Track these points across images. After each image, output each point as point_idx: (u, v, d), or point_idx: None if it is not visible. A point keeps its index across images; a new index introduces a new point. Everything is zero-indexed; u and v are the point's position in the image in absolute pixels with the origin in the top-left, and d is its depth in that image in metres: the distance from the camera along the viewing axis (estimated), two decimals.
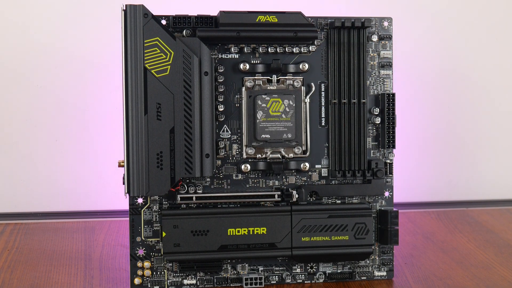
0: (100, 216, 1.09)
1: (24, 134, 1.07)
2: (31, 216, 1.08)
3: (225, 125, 0.77)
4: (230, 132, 0.77)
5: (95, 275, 0.81)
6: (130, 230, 0.76)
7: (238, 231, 0.76)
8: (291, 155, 0.77)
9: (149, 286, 0.76)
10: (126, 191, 0.72)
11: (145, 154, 0.72)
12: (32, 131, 1.07)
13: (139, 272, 0.76)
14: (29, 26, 1.06)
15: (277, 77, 0.77)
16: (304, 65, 0.77)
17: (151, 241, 0.76)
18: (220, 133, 0.77)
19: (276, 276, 0.78)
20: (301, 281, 0.79)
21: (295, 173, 0.78)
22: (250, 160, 0.77)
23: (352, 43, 0.78)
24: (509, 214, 1.11)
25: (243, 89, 0.77)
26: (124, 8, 0.72)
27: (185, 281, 0.77)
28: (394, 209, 0.79)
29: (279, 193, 0.77)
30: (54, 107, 1.07)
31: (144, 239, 0.76)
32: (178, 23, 0.75)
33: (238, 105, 0.77)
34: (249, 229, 0.76)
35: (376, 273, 0.80)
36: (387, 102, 0.78)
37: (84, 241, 0.94)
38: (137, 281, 0.76)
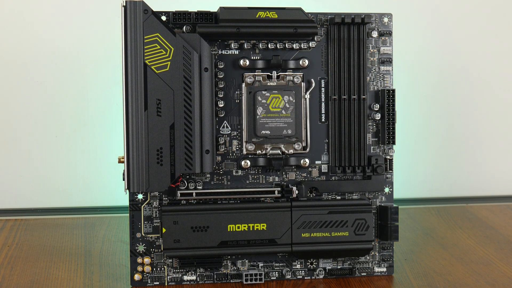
0: (100, 212, 1.09)
1: (24, 130, 1.07)
2: (31, 212, 1.08)
3: (225, 121, 0.77)
4: (230, 128, 0.77)
5: (95, 271, 0.81)
6: (130, 226, 0.76)
7: (238, 227, 0.76)
8: (291, 151, 0.77)
9: (149, 282, 0.77)
10: (126, 187, 0.72)
11: (145, 150, 0.72)
12: (32, 127, 1.07)
13: (139, 268, 0.76)
14: (29, 22, 1.06)
15: (277, 73, 0.77)
16: (304, 61, 0.77)
17: (151, 237, 0.76)
18: (220, 129, 0.77)
19: (276, 272, 0.78)
20: (301, 277, 0.79)
21: (295, 169, 0.78)
22: (250, 156, 0.77)
23: (352, 39, 0.77)
24: (509, 210, 1.11)
25: (243, 85, 0.77)
26: (124, 4, 0.72)
27: (185, 277, 0.77)
28: (394, 205, 0.79)
29: (279, 189, 0.77)
30: (54, 103, 1.07)
31: (144, 235, 0.76)
32: (178, 19, 0.75)
33: (238, 101, 0.77)
34: (249, 225, 0.76)
35: (376, 269, 0.80)
36: (387, 98, 0.78)
37: (84, 237, 0.94)
38: (137, 277, 0.76)
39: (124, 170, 0.72)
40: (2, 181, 1.08)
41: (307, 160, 0.77)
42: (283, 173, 0.78)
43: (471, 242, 0.93)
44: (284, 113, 0.77)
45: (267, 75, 0.77)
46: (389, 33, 0.79)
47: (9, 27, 1.06)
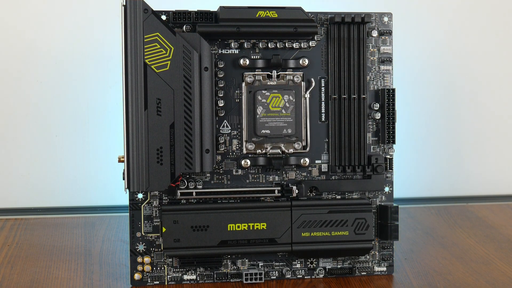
0: (100, 212, 1.09)
1: (24, 129, 1.07)
2: (31, 211, 1.08)
3: (225, 121, 0.77)
4: (230, 128, 0.77)
5: (95, 270, 0.81)
6: (130, 226, 0.76)
7: (238, 227, 0.76)
8: (291, 150, 0.77)
9: (149, 281, 0.76)
10: (126, 187, 0.72)
11: (145, 149, 0.72)
12: (32, 126, 1.07)
13: (139, 268, 0.76)
14: (29, 21, 1.06)
15: (277, 73, 0.77)
16: (304, 60, 0.77)
17: (151, 237, 0.76)
18: (220, 128, 0.77)
19: (276, 272, 0.78)
20: (301, 276, 0.79)
21: (295, 169, 0.78)
22: (250, 155, 0.77)
23: (352, 38, 0.77)
24: (509, 210, 1.11)
25: (243, 84, 0.77)
26: (124, 3, 0.72)
27: (185, 277, 0.77)
28: (394, 205, 0.79)
29: (279, 188, 0.77)
30: (54, 102, 1.07)
31: (144, 234, 0.76)
32: (178, 18, 0.75)
33: (238, 100, 0.77)
34: (249, 224, 0.76)
35: (376, 269, 0.80)
36: (387, 98, 0.78)
37: (84, 237, 0.94)
38: (137, 276, 0.76)
39: (124, 170, 0.72)
40: (2, 181, 1.08)
41: (307, 160, 0.77)
42: (283, 172, 0.78)
43: (471, 242, 0.93)
44: (284, 112, 0.77)
45: (267, 74, 0.77)
46: (389, 33, 0.79)
47: (9, 26, 1.06)
